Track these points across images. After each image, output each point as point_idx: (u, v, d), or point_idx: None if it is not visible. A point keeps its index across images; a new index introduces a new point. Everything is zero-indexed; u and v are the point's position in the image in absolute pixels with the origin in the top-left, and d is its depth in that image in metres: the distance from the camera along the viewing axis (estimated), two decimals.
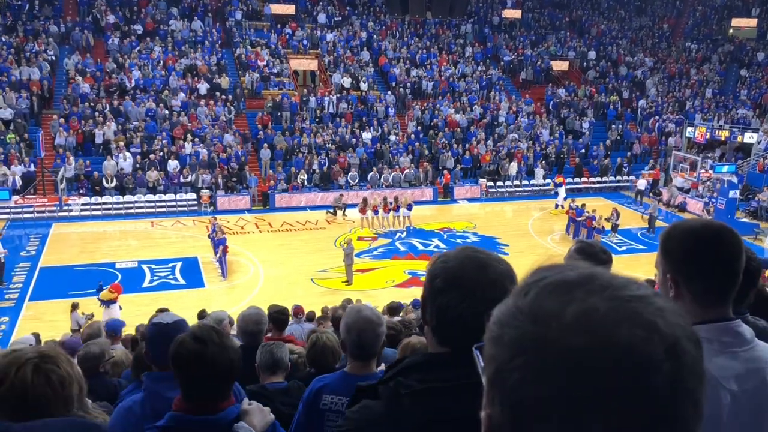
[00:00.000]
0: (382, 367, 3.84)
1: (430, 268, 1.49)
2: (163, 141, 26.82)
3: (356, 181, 27.45)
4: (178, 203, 25.18)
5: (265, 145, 27.72)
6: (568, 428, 0.65)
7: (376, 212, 23.63)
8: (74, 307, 13.95)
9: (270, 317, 5.62)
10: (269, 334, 5.40)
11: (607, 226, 22.45)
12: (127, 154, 25.81)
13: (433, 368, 1.41)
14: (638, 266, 18.03)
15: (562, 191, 26.87)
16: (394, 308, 10.29)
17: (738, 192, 25.27)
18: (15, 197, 23.56)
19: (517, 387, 0.69)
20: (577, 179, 29.92)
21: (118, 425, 2.70)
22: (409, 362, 1.46)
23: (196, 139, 27.34)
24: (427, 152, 29.51)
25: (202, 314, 10.51)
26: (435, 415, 1.34)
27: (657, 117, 34.33)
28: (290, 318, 8.32)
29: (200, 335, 2.28)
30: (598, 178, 30.30)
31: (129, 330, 9.53)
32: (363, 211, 23.53)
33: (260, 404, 2.47)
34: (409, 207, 23.73)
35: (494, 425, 0.73)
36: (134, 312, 14.03)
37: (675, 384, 0.67)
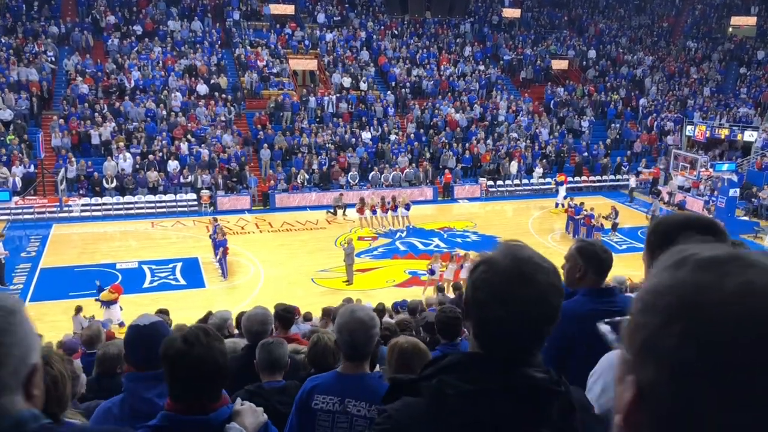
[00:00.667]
0: (378, 368, 3.85)
1: (473, 275, 1.46)
2: (163, 141, 26.83)
3: (356, 181, 27.46)
4: (179, 203, 25.19)
5: (265, 145, 27.73)
6: (726, 389, 0.70)
7: (374, 212, 23.62)
8: (77, 310, 13.94)
9: (276, 315, 5.65)
10: (275, 333, 5.41)
11: (607, 225, 22.49)
12: (127, 155, 25.82)
13: (476, 368, 1.40)
14: (639, 265, 17.95)
15: (562, 190, 26.88)
16: (380, 311, 10.29)
17: (738, 191, 25.29)
18: (15, 198, 23.57)
19: (676, 351, 0.73)
20: (577, 178, 29.93)
21: (98, 426, 2.71)
22: (451, 360, 1.45)
23: (194, 140, 27.35)
24: (428, 154, 29.48)
25: (208, 315, 10.50)
26: (480, 417, 1.34)
27: (656, 115, 34.34)
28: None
29: (188, 336, 2.27)
30: (598, 177, 30.31)
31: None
32: (361, 211, 23.52)
33: (253, 405, 2.47)
34: (407, 207, 23.73)
35: (645, 387, 0.77)
36: (135, 313, 13.92)
37: None
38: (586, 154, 31.40)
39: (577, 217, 22.46)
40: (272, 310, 6.11)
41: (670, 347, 0.73)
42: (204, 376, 2.24)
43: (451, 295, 14.86)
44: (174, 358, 2.25)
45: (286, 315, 5.68)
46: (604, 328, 0.94)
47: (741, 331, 0.70)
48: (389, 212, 23.64)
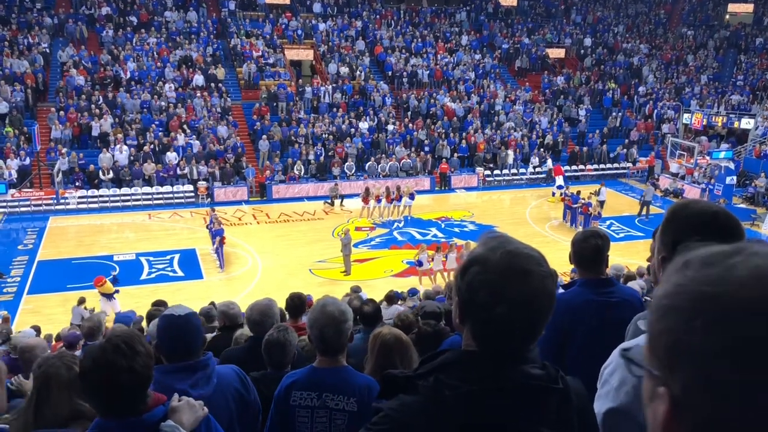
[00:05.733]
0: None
1: (468, 277, 1.41)
2: (159, 132, 26.74)
3: (353, 171, 27.42)
4: (176, 195, 25.13)
5: (264, 136, 27.63)
6: (756, 374, 0.70)
7: (378, 201, 23.58)
8: (80, 301, 13.89)
9: (286, 303, 5.70)
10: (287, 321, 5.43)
11: (594, 200, 22.62)
12: (124, 147, 25.72)
13: (473, 367, 1.38)
14: (635, 253, 18.07)
15: (560, 179, 26.75)
16: (391, 297, 10.31)
17: (735, 178, 25.31)
18: (12, 191, 23.49)
19: (701, 344, 0.73)
20: (574, 167, 29.90)
21: None
22: (448, 359, 1.42)
23: (190, 131, 27.25)
24: (425, 146, 29.30)
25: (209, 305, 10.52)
26: (479, 417, 1.33)
27: (653, 103, 34.29)
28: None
29: (95, 353, 2.24)
30: (596, 166, 30.29)
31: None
32: (366, 200, 23.45)
33: (191, 400, 2.43)
34: (411, 196, 23.70)
35: (679, 394, 0.76)
36: (133, 304, 14.05)
37: None
38: (598, 146, 31.10)
39: (575, 206, 22.48)
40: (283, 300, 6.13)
41: (696, 342, 0.74)
42: (116, 390, 2.20)
43: (442, 285, 14.91)
44: (82, 373, 2.24)
45: (294, 303, 5.70)
46: (623, 362, 0.91)
47: (760, 312, 0.71)
48: (393, 202, 23.60)
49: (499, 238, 1.46)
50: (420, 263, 17.47)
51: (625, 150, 30.90)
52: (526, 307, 1.35)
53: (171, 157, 25.80)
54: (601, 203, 22.84)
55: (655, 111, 33.89)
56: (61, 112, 26.51)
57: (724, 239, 1.75)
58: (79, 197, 24.18)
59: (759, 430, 0.71)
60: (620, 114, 33.51)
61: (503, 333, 1.37)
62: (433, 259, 17.55)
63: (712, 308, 0.74)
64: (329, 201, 24.90)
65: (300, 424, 2.97)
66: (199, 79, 29.94)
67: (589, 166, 30.10)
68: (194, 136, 27.02)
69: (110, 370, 2.17)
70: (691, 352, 0.74)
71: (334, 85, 31.43)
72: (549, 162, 29.17)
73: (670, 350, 0.77)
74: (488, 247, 1.43)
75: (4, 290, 16.99)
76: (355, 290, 12.61)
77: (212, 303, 11.08)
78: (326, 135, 28.53)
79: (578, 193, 23.06)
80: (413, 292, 12.65)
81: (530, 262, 1.39)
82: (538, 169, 29.34)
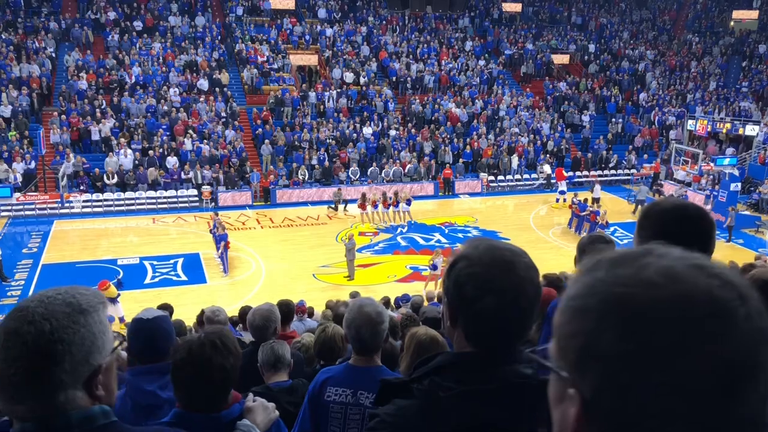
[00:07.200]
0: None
1: (454, 273, 1.45)
2: (164, 137, 26.82)
3: (357, 176, 27.44)
4: (180, 199, 25.19)
5: (267, 141, 27.67)
6: (667, 376, 0.70)
7: (375, 207, 23.63)
8: None
9: None
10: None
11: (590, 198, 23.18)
12: (128, 151, 25.80)
13: (468, 368, 1.39)
14: None
15: (562, 184, 26.79)
16: (386, 303, 10.30)
17: (739, 185, 25.22)
18: (16, 194, 23.58)
19: (612, 346, 0.73)
20: (578, 173, 29.89)
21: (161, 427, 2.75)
22: (442, 361, 1.44)
23: (195, 136, 27.32)
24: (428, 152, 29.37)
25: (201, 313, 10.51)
26: (474, 418, 1.33)
27: (658, 109, 34.28)
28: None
29: (193, 347, 2.31)
30: (599, 172, 30.26)
31: None
32: (362, 206, 23.51)
33: (265, 401, 2.49)
34: (408, 202, 23.76)
35: (590, 395, 0.76)
36: (136, 309, 13.99)
37: (752, 327, 0.72)
38: (601, 151, 31.11)
39: (583, 213, 22.42)
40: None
41: (606, 344, 0.73)
42: (205, 385, 2.28)
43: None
44: (177, 365, 2.31)
45: (282, 310, 5.68)
46: (535, 356, 0.92)
47: (669, 313, 0.71)
48: (390, 207, 23.64)
49: (479, 238, 1.52)
50: (435, 267, 17.52)
51: (627, 156, 30.91)
52: (514, 298, 1.37)
53: (171, 161, 25.87)
54: (596, 200, 23.03)
55: (658, 117, 33.88)
56: (63, 116, 26.60)
57: (697, 232, 1.80)
58: (84, 201, 24.24)
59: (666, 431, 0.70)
60: (621, 120, 33.50)
61: (494, 328, 1.39)
62: (447, 263, 17.55)
63: (622, 310, 0.73)
64: (333, 206, 24.92)
65: (333, 419, 3.00)
66: (203, 83, 30.03)
67: (593, 172, 30.09)
68: (204, 141, 27.08)
69: (205, 366, 2.25)
70: (602, 355, 0.73)
71: (338, 90, 31.50)
72: (546, 167, 29.22)
73: (582, 353, 0.76)
74: (471, 246, 1.48)
75: (9, 293, 17.03)
76: (353, 296, 12.57)
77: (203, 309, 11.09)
78: (330, 140, 28.57)
79: (586, 200, 23.05)
80: (406, 298, 12.69)
81: (513, 254, 1.43)
82: (545, 175, 29.35)
